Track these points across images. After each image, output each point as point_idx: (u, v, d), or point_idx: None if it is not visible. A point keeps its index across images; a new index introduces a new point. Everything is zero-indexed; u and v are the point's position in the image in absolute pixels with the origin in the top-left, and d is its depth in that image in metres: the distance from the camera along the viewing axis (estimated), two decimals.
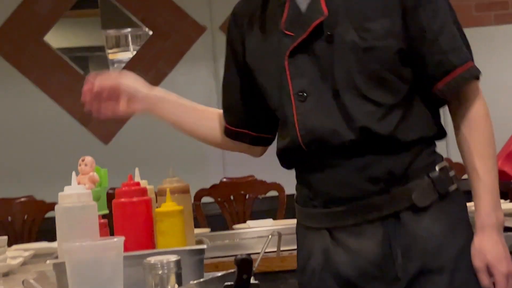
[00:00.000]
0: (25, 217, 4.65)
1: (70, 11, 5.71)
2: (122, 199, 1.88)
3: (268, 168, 4.90)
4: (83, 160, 2.06)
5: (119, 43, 6.11)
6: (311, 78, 1.71)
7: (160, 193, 1.98)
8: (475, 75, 1.73)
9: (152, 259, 1.58)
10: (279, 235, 1.90)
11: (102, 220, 1.94)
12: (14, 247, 3.40)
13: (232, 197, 4.67)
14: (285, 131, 1.77)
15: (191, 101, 1.98)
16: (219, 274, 1.72)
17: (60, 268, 1.76)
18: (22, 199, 4.72)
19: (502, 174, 4.29)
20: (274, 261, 2.82)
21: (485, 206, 1.71)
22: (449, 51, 1.70)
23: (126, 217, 1.86)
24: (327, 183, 1.73)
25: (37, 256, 3.01)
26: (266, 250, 1.82)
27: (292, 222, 2.98)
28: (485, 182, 1.71)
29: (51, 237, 2.76)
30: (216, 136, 1.98)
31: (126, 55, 5.98)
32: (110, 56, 6.14)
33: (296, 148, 1.74)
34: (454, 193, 1.75)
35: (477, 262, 1.71)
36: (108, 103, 1.88)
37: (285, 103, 1.74)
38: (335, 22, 1.69)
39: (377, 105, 1.68)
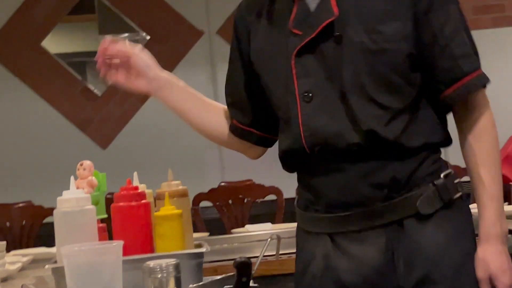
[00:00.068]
0: (24, 222, 4.65)
1: (68, 16, 5.71)
2: (121, 203, 1.87)
3: (266, 172, 4.90)
4: (81, 165, 2.06)
5: None
6: (317, 79, 1.69)
7: (158, 197, 1.98)
8: (484, 83, 1.71)
9: (151, 263, 1.57)
10: (279, 238, 1.90)
11: (101, 225, 1.93)
12: (13, 252, 3.39)
13: (230, 201, 4.66)
14: (288, 132, 1.74)
15: (199, 93, 1.93)
16: (218, 277, 1.72)
17: (59, 273, 1.76)
18: (21, 205, 4.71)
19: None
20: (273, 265, 2.81)
21: (490, 214, 1.70)
22: (460, 57, 1.69)
23: (125, 221, 1.86)
24: (330, 188, 1.71)
25: (36, 262, 3.00)
26: (265, 254, 1.81)
27: (291, 226, 2.97)
28: (490, 190, 1.70)
29: (50, 242, 2.76)
30: (220, 131, 1.93)
31: None
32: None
33: (299, 150, 1.72)
34: (458, 201, 1.73)
35: (480, 272, 1.69)
36: (119, 69, 1.85)
37: (290, 103, 1.72)
38: (345, 23, 1.67)
39: (384, 108, 1.66)
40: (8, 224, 4.64)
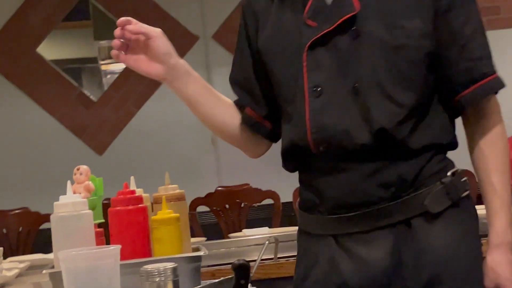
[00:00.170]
0: (20, 229, 4.65)
1: (63, 22, 5.72)
2: (118, 207, 1.87)
3: (263, 176, 4.91)
4: (78, 169, 2.06)
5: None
6: (328, 73, 1.64)
7: (156, 201, 1.97)
8: (500, 87, 1.70)
9: (149, 267, 1.57)
10: (277, 240, 1.90)
11: (98, 229, 1.93)
12: (9, 259, 3.38)
13: (227, 206, 4.66)
14: (293, 128, 1.69)
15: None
16: (216, 280, 1.72)
17: (56, 278, 1.75)
18: (17, 211, 4.71)
19: None
20: (271, 268, 2.81)
21: (502, 222, 1.68)
22: (479, 59, 1.68)
23: (122, 225, 1.85)
24: (334, 188, 1.67)
25: (33, 268, 2.99)
26: (263, 258, 1.80)
27: (288, 229, 2.97)
28: (502, 197, 1.68)
29: (47, 249, 2.75)
30: (231, 124, 1.84)
31: (119, 66, 5.97)
32: (103, 67, 6.14)
33: (303, 147, 1.67)
34: (466, 200, 1.71)
35: (488, 282, 1.67)
36: (133, 49, 1.74)
37: (298, 97, 1.67)
38: (365, 18, 1.63)
39: (400, 106, 1.62)
40: (4, 230, 4.64)
